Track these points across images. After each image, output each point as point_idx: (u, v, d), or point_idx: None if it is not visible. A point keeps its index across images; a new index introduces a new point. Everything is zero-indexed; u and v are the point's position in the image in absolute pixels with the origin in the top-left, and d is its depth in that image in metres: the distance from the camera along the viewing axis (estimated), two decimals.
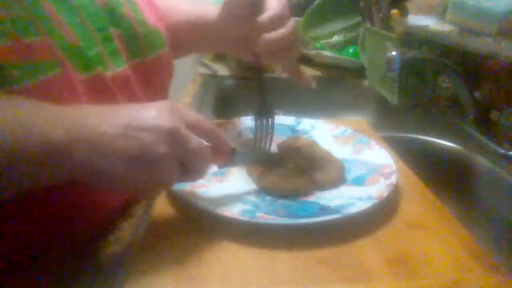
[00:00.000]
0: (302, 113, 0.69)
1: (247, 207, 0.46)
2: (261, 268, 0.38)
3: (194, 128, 0.39)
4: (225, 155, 0.45)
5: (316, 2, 1.23)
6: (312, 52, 1.24)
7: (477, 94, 0.79)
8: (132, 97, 0.50)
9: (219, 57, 1.26)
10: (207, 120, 0.41)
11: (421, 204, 0.49)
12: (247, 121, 0.65)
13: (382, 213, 0.46)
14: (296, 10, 1.22)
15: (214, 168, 0.46)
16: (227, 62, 1.22)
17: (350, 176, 0.53)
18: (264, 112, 0.54)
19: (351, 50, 1.21)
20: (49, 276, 0.41)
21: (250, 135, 0.61)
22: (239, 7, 0.53)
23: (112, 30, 0.49)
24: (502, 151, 0.69)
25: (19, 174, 0.33)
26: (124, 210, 0.50)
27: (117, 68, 0.48)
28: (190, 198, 0.45)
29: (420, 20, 0.83)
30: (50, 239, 0.43)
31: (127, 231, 0.46)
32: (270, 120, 0.54)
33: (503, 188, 0.64)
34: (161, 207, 0.47)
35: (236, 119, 0.66)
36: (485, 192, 0.68)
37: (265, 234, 0.42)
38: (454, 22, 0.75)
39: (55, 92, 0.39)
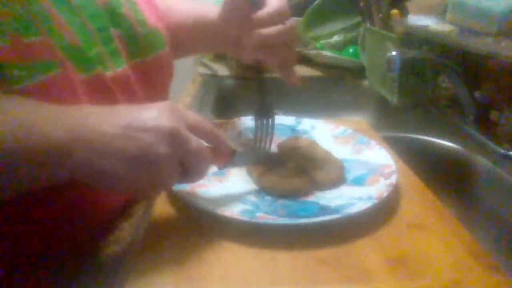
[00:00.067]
0: (302, 113, 0.69)
1: (247, 207, 0.46)
2: (261, 268, 0.38)
3: (194, 128, 0.39)
4: (225, 156, 0.45)
5: (316, 2, 1.23)
6: (312, 52, 1.24)
7: (477, 94, 0.79)
8: (132, 97, 0.50)
9: (219, 57, 1.26)
10: (207, 121, 0.42)
11: (421, 204, 0.49)
12: (247, 121, 0.65)
13: (382, 213, 0.46)
14: (296, 10, 1.22)
15: (214, 168, 0.46)
16: (227, 62, 1.22)
17: (350, 176, 0.53)
18: (264, 112, 0.54)
19: (351, 50, 1.21)
20: (49, 276, 0.41)
21: (250, 135, 0.61)
22: (239, 7, 0.53)
23: (112, 30, 0.49)
24: (502, 151, 0.69)
25: (19, 174, 0.33)
26: (124, 210, 0.50)
27: (117, 68, 0.48)
28: (190, 198, 0.45)
29: (420, 20, 0.83)
30: (50, 239, 0.43)
31: (127, 231, 0.46)
32: (270, 120, 0.54)
33: (503, 188, 0.64)
34: (161, 207, 0.47)
35: (236, 119, 0.66)
36: (485, 192, 0.68)
37: (265, 234, 0.42)
38: (454, 22, 0.75)
39: (55, 92, 0.39)
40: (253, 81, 0.55)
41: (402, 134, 0.80)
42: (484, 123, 0.77)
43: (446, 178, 0.72)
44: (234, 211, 0.44)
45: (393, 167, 0.52)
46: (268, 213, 0.45)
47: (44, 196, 0.39)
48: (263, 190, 0.50)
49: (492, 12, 0.66)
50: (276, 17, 0.50)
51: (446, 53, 0.88)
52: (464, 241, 0.42)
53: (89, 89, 0.43)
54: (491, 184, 0.67)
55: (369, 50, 1.04)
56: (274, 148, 0.56)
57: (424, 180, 0.54)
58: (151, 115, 0.36)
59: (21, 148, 0.32)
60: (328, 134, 0.64)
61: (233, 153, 0.46)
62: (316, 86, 1.15)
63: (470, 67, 0.82)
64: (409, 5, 0.90)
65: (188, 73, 1.20)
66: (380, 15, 0.94)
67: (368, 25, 1.01)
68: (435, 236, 0.43)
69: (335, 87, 1.14)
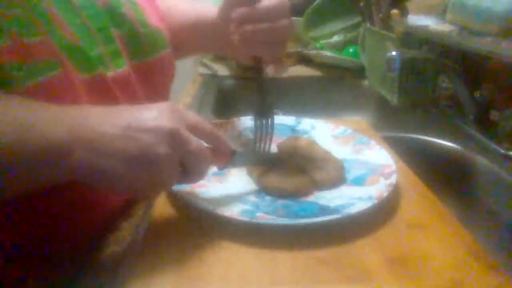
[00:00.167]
0: (302, 113, 0.69)
1: (247, 207, 0.46)
2: (261, 268, 0.38)
3: (195, 129, 0.39)
4: (225, 157, 0.45)
5: (316, 2, 1.23)
6: (312, 52, 1.24)
7: (477, 94, 0.79)
8: (133, 98, 0.50)
9: (219, 57, 1.26)
10: (207, 122, 0.42)
11: (421, 204, 0.49)
12: (247, 121, 0.65)
13: (382, 213, 0.46)
14: (296, 10, 1.22)
15: (214, 168, 0.46)
16: (227, 62, 1.22)
17: (350, 176, 0.53)
18: (264, 112, 0.54)
19: (351, 50, 1.21)
20: (49, 276, 0.41)
21: (250, 135, 0.61)
22: (239, 5, 0.53)
23: (113, 30, 0.49)
24: (502, 151, 0.69)
25: (19, 174, 0.33)
26: (124, 210, 0.50)
27: (118, 68, 0.48)
28: (190, 198, 0.45)
29: (420, 20, 0.83)
30: (50, 239, 0.43)
31: (127, 231, 0.46)
32: (270, 120, 0.54)
33: (503, 188, 0.64)
34: (161, 207, 0.47)
35: (236, 119, 0.66)
36: (485, 192, 0.68)
37: (265, 234, 0.42)
38: (454, 22, 0.75)
39: (55, 92, 0.39)
40: (253, 81, 0.55)
41: (402, 134, 0.80)
42: (484, 123, 0.77)
43: (446, 178, 0.72)
44: (234, 211, 0.44)
45: (393, 167, 0.52)
46: (268, 213, 0.45)
47: (44, 196, 0.39)
48: (263, 190, 0.50)
49: (492, 12, 0.66)
50: (270, 14, 0.49)
51: (446, 53, 0.88)
52: (464, 241, 0.42)
53: (90, 90, 0.43)
54: (491, 184, 0.67)
55: (369, 50, 1.04)
56: (274, 148, 0.56)
57: (424, 180, 0.54)
58: (151, 116, 0.36)
59: (21, 148, 0.32)
60: (328, 134, 0.64)
61: (233, 153, 0.46)
62: (316, 86, 1.15)
63: (470, 67, 0.82)
64: (409, 5, 0.90)
65: (188, 73, 1.20)
66: (380, 15, 0.94)
67: (368, 25, 1.01)
68: (435, 236, 0.43)
69: (335, 87, 1.14)
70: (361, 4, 1.01)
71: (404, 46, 0.86)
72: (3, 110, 0.33)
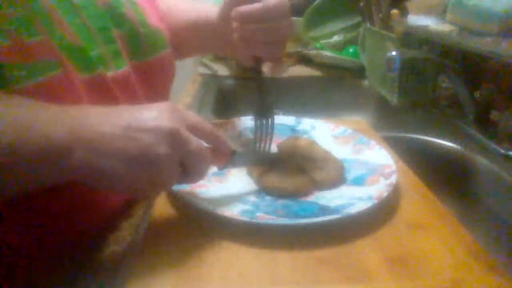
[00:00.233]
0: (302, 113, 0.69)
1: (247, 207, 0.46)
2: (261, 268, 0.38)
3: (194, 129, 0.39)
4: (225, 157, 0.45)
5: (316, 2, 1.23)
6: (312, 52, 1.24)
7: (477, 94, 0.79)
8: (133, 98, 0.50)
9: (219, 57, 1.26)
10: (207, 122, 0.42)
11: (421, 204, 0.49)
12: (247, 121, 0.65)
13: (382, 213, 0.46)
14: (296, 10, 1.22)
15: (214, 168, 0.46)
16: (227, 62, 1.22)
17: (350, 176, 0.53)
18: (264, 112, 0.54)
19: (351, 50, 1.21)
20: (49, 276, 0.41)
21: (250, 135, 0.61)
22: (239, 4, 0.53)
23: (114, 31, 0.49)
24: (502, 151, 0.69)
25: (19, 174, 0.33)
26: (124, 210, 0.50)
27: (118, 68, 0.48)
28: (190, 198, 0.45)
29: (420, 20, 0.83)
30: (50, 239, 0.43)
31: (127, 231, 0.46)
32: (270, 120, 0.54)
33: (503, 188, 0.64)
34: (161, 207, 0.47)
35: (236, 119, 0.66)
36: (485, 192, 0.68)
37: (265, 234, 0.42)
38: (454, 22, 0.75)
39: (55, 92, 0.39)
40: (253, 81, 0.55)
41: (402, 134, 0.80)
42: (484, 123, 0.77)
43: (446, 178, 0.72)
44: (234, 211, 0.44)
45: (393, 167, 0.52)
46: (268, 213, 0.45)
47: (44, 196, 0.39)
48: (263, 190, 0.50)
49: (492, 12, 0.66)
50: (270, 14, 0.49)
51: (446, 53, 0.88)
52: (464, 241, 0.42)
53: (90, 90, 0.43)
54: (491, 184, 0.67)
55: (369, 50, 1.04)
56: (274, 148, 0.56)
57: (424, 180, 0.54)
58: (151, 116, 0.36)
59: (21, 148, 0.32)
60: (328, 134, 0.64)
61: (233, 153, 0.46)
62: (316, 86, 1.15)
63: (470, 67, 0.82)
64: (409, 5, 0.90)
65: (188, 73, 1.20)
66: (380, 15, 0.94)
67: (368, 25, 1.01)
68: (435, 236, 0.43)
69: (335, 87, 1.14)
70: (361, 4, 1.01)
71: (404, 46, 0.86)
72: (3, 110, 0.33)
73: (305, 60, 1.27)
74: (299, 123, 0.67)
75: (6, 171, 0.33)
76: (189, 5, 0.65)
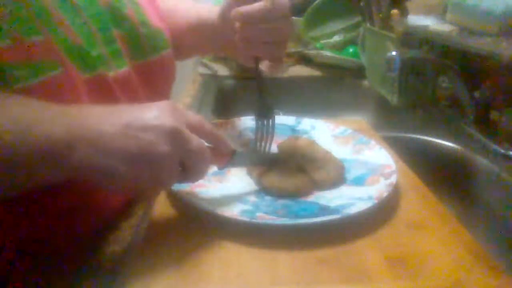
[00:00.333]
0: (302, 113, 0.69)
1: (247, 207, 0.46)
2: (261, 268, 0.38)
3: (195, 128, 0.39)
4: (225, 156, 0.45)
5: (316, 2, 1.23)
6: (312, 52, 1.24)
7: (477, 94, 0.79)
8: (133, 98, 0.50)
9: (219, 57, 1.26)
10: (207, 121, 0.42)
11: (421, 204, 0.49)
12: (247, 121, 0.65)
13: (382, 213, 0.46)
14: (296, 10, 1.22)
15: (214, 168, 0.46)
16: (227, 62, 1.22)
17: (350, 176, 0.53)
18: (265, 112, 0.54)
19: (351, 50, 1.21)
20: (49, 276, 0.41)
21: (250, 135, 0.61)
22: (239, 3, 0.53)
23: (114, 31, 0.49)
24: (502, 151, 0.69)
25: (19, 173, 0.34)
26: (124, 210, 0.50)
27: (119, 69, 0.48)
28: (190, 198, 0.45)
29: (420, 20, 0.83)
30: (50, 239, 0.43)
31: (127, 231, 0.46)
32: (271, 120, 0.54)
33: (503, 188, 0.64)
34: (161, 207, 0.47)
35: (236, 119, 0.66)
36: (485, 192, 0.68)
37: (265, 234, 0.42)
38: (454, 22, 0.75)
39: (56, 92, 0.39)
40: (253, 81, 0.55)
41: (402, 134, 0.80)
42: (484, 123, 0.77)
43: (446, 178, 0.72)
44: (234, 211, 0.44)
45: (393, 167, 0.52)
46: (268, 213, 0.45)
47: (44, 196, 0.39)
48: (263, 190, 0.50)
49: (492, 12, 0.66)
50: (270, 14, 0.49)
51: (446, 53, 0.88)
52: (464, 241, 0.42)
53: (91, 90, 0.43)
54: (491, 184, 0.67)
55: (369, 50, 1.04)
56: (274, 148, 0.56)
57: (424, 180, 0.54)
58: (152, 115, 0.36)
59: (21, 147, 0.32)
60: (328, 134, 0.64)
61: (233, 153, 0.46)
62: (316, 86, 1.15)
63: (470, 67, 0.82)
64: (409, 5, 0.90)
65: (188, 73, 1.20)
66: (380, 15, 0.94)
67: (368, 25, 1.01)
68: (435, 236, 0.43)
69: (335, 87, 1.14)
70: (361, 4, 1.01)
71: (404, 46, 0.86)
72: (3, 109, 0.33)
73: (305, 60, 1.27)
74: (299, 123, 0.67)
75: (6, 170, 0.33)
76: (190, 6, 0.65)
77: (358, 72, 1.13)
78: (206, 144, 0.41)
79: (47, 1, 0.41)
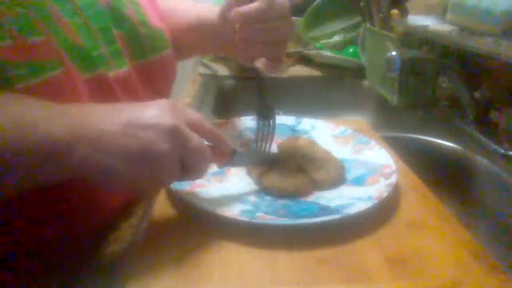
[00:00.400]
0: (302, 113, 0.69)
1: (247, 207, 0.46)
2: (261, 268, 0.38)
3: (195, 127, 0.39)
4: (225, 156, 0.45)
5: (316, 2, 1.23)
6: (312, 52, 1.24)
7: (477, 94, 0.79)
8: (134, 98, 0.50)
9: (219, 57, 1.26)
10: (207, 121, 0.42)
11: (421, 204, 0.49)
12: (247, 121, 0.65)
13: (382, 213, 0.46)
14: (296, 10, 1.22)
15: (214, 168, 0.46)
16: (227, 62, 1.22)
17: (350, 176, 0.53)
18: (264, 112, 0.54)
19: (351, 50, 1.21)
20: (49, 276, 0.41)
21: (250, 135, 0.61)
22: (239, 3, 0.53)
23: (114, 31, 0.49)
24: (502, 151, 0.69)
25: (19, 172, 0.34)
26: (124, 210, 0.50)
27: (120, 68, 0.48)
28: (190, 198, 0.45)
29: (420, 20, 0.83)
30: (50, 238, 0.43)
31: (127, 231, 0.46)
32: (271, 121, 0.54)
33: (503, 188, 0.64)
34: (161, 207, 0.47)
35: (236, 119, 0.66)
36: (485, 192, 0.68)
37: (265, 234, 0.42)
38: (454, 22, 0.75)
39: (57, 92, 0.39)
40: (253, 81, 0.55)
41: (402, 134, 0.80)
42: (484, 123, 0.77)
43: (446, 178, 0.72)
44: (234, 211, 0.44)
45: (393, 167, 0.52)
46: (268, 213, 0.44)
47: (44, 196, 0.39)
48: (263, 190, 0.50)
49: (492, 12, 0.66)
50: (270, 14, 0.49)
51: (446, 53, 0.88)
52: (464, 241, 0.42)
53: (91, 89, 0.43)
54: (491, 184, 0.67)
55: (369, 50, 1.04)
56: (274, 148, 0.56)
57: (424, 180, 0.54)
58: (152, 113, 0.36)
59: (21, 146, 0.32)
60: (328, 134, 0.64)
61: (233, 152, 0.46)
62: (316, 86, 1.15)
63: (470, 67, 0.82)
64: (409, 5, 0.90)
65: (188, 73, 1.20)
66: (380, 15, 0.94)
67: (368, 25, 1.01)
68: (435, 236, 0.43)
69: (335, 87, 1.14)
70: (361, 4, 1.01)
71: (404, 46, 0.86)
72: (3, 108, 0.33)
73: (305, 60, 1.27)
74: (299, 123, 0.67)
75: (6, 169, 0.33)
76: (190, 6, 0.65)
77: (358, 72, 1.14)
78: (206, 143, 0.41)
79: (48, 1, 0.41)
